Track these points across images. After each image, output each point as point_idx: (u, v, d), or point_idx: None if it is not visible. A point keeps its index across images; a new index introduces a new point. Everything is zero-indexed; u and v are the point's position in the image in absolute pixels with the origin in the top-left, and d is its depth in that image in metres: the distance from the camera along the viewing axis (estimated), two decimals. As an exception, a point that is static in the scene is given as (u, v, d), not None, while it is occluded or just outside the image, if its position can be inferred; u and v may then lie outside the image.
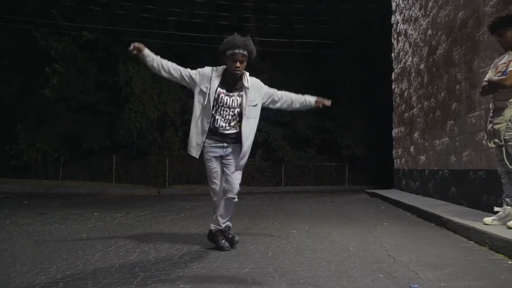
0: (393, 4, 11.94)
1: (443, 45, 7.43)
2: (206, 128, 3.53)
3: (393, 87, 11.90)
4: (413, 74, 9.63)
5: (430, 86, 8.19)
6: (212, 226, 3.67)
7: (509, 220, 3.89)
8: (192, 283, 2.57)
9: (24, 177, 14.21)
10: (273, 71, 16.67)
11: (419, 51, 9.12)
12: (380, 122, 14.79)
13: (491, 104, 4.23)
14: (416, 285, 2.48)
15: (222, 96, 3.54)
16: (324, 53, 17.15)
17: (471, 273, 2.78)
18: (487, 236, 3.67)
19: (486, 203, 5.32)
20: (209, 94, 3.53)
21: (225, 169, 3.61)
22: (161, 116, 15.75)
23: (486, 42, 5.54)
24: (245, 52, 3.52)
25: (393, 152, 11.81)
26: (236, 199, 3.64)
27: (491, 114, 4.16)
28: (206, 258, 3.25)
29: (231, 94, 3.56)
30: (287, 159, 17.37)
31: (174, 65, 3.65)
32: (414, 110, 9.48)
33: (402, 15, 10.83)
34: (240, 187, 3.68)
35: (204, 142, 3.56)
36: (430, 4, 8.24)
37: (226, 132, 3.57)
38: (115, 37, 15.21)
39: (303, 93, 3.88)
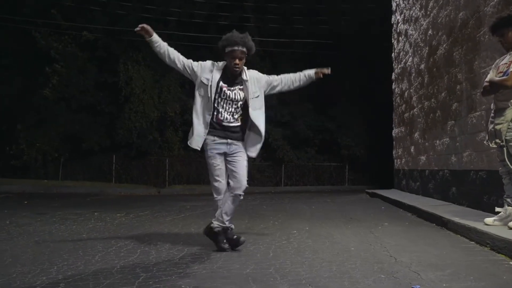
0: (393, 4, 11.94)
1: (444, 45, 7.43)
2: (208, 120, 3.53)
3: (393, 87, 11.90)
4: (413, 74, 9.63)
5: (431, 86, 8.18)
6: (216, 224, 3.57)
7: (510, 221, 3.89)
8: (193, 283, 2.56)
9: (24, 177, 14.19)
10: (273, 71, 16.56)
11: (419, 51, 9.12)
12: (380, 122, 14.79)
13: (492, 104, 4.23)
14: (418, 286, 2.47)
15: (224, 90, 3.55)
16: (324, 53, 17.12)
17: (472, 273, 2.78)
18: (488, 237, 3.67)
19: (487, 204, 5.32)
20: (210, 86, 3.54)
21: (231, 167, 3.58)
22: (161, 116, 15.73)
23: (487, 42, 5.54)
24: (244, 49, 3.53)
25: (393, 152, 11.81)
26: (242, 196, 3.60)
27: (492, 115, 4.16)
28: (207, 259, 3.25)
29: (232, 88, 3.58)
30: (287, 159, 17.36)
31: (180, 56, 3.69)
32: (415, 110, 9.47)
33: (402, 15, 10.83)
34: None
35: (207, 138, 3.54)
36: (431, 4, 8.23)
37: (231, 124, 3.57)
38: (115, 37, 15.21)
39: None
